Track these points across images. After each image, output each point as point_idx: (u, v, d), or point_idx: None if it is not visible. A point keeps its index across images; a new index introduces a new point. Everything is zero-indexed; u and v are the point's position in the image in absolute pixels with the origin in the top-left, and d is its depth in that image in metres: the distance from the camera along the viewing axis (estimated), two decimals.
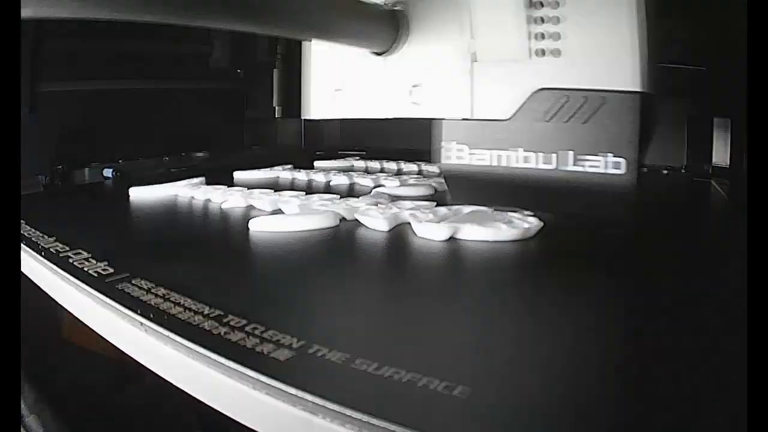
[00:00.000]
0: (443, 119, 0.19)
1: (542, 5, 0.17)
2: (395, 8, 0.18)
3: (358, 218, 0.24)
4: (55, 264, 0.19)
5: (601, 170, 0.18)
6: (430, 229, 0.22)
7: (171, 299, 0.15)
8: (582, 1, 0.17)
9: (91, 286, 0.17)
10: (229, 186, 0.32)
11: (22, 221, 0.25)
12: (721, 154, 0.38)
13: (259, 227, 0.23)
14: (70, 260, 0.19)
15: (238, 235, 0.23)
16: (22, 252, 0.21)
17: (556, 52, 0.17)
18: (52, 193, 0.39)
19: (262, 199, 0.28)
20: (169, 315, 0.14)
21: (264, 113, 0.60)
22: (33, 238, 0.23)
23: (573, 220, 0.22)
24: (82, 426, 0.20)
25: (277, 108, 0.61)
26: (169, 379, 0.13)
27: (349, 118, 0.23)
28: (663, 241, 0.21)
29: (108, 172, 0.43)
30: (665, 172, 0.41)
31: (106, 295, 0.16)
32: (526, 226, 0.21)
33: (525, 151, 0.18)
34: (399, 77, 0.19)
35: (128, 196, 0.32)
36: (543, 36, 0.17)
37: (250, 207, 0.28)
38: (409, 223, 0.23)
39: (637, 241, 0.22)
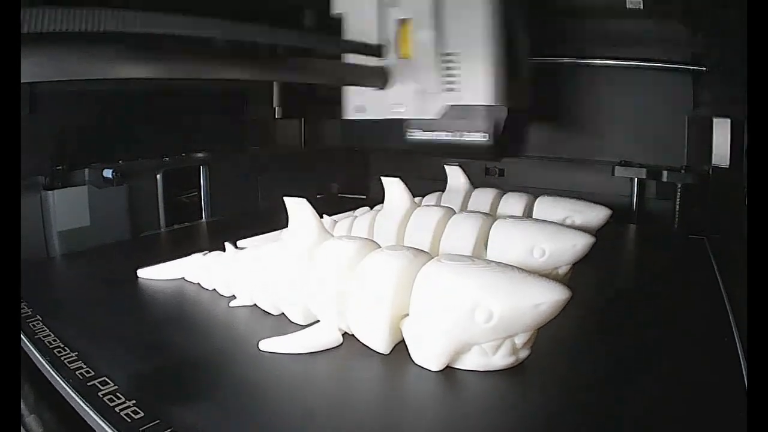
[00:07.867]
0: (412, 119, 0.39)
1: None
2: (383, 66, 0.38)
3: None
4: (85, 398, 0.20)
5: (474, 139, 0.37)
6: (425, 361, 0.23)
7: None
8: None
9: None
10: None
11: (38, 317, 0.27)
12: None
13: (269, 348, 0.25)
14: (99, 393, 0.21)
15: (251, 361, 0.24)
16: (48, 368, 0.23)
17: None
18: (60, 269, 0.38)
19: None
20: None
21: (264, 114, 0.60)
22: (55, 350, 0.24)
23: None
24: (82, 426, 0.20)
25: (277, 108, 0.61)
26: None
27: (351, 119, 0.41)
28: None
29: (108, 173, 0.43)
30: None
31: None
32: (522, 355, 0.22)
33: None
34: (388, 99, 0.39)
35: (136, 277, 0.34)
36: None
37: (255, 306, 0.29)
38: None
39: None
